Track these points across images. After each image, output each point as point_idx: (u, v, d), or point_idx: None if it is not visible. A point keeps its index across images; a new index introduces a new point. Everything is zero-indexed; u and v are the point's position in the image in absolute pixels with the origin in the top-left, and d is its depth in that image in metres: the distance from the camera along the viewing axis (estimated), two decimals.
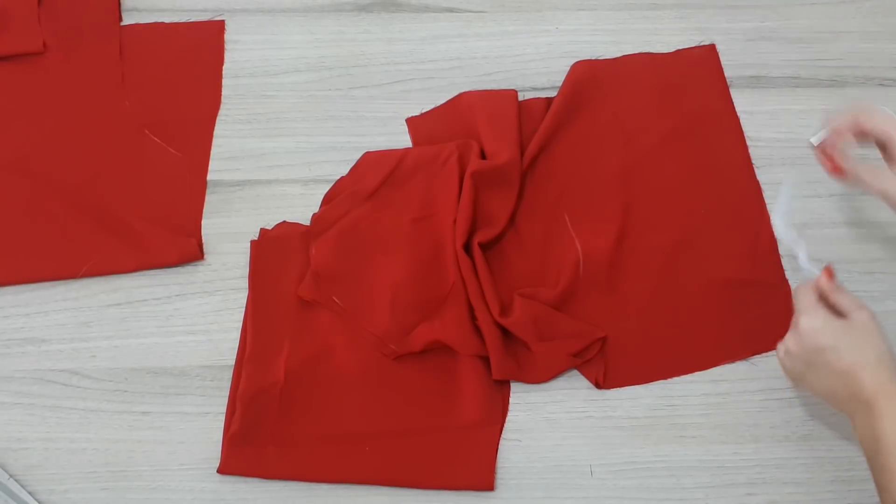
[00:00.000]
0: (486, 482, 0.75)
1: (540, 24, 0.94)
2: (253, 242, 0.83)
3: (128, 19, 0.93)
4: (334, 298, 0.80)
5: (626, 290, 0.82)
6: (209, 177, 0.87)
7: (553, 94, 0.90)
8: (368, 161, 0.87)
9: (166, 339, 0.80)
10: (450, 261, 0.80)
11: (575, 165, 0.87)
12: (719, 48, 0.93)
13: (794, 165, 0.87)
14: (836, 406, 0.68)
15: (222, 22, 0.93)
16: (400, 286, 0.80)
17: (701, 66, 0.92)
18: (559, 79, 0.91)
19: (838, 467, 0.77)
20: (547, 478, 0.77)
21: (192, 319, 0.81)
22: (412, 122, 0.89)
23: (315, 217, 0.84)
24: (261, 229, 0.84)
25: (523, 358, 0.79)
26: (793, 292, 0.71)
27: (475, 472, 0.75)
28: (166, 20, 0.93)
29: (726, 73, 0.91)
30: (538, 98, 0.90)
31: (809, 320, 0.67)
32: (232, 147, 0.88)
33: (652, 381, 0.79)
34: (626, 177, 0.86)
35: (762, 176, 0.87)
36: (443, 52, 0.92)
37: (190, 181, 0.86)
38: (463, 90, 0.90)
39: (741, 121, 0.89)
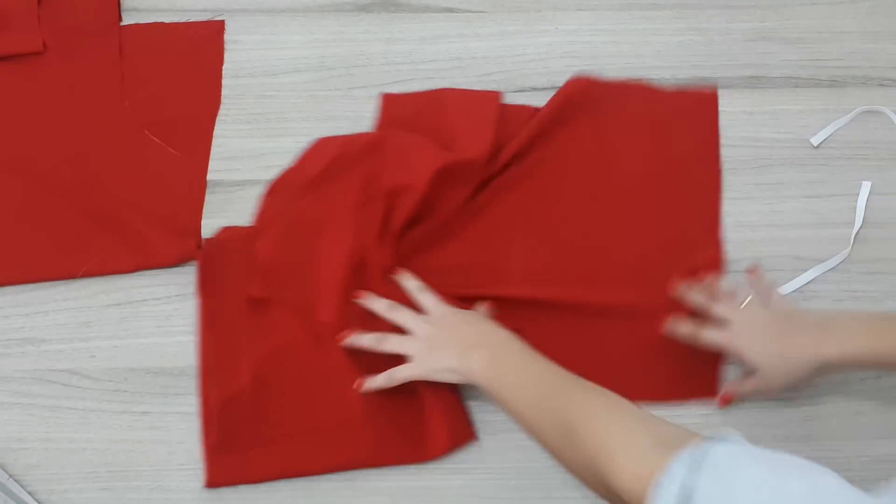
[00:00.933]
0: (465, 436, 0.77)
1: (540, 24, 0.94)
2: (198, 253, 0.82)
3: (128, 19, 0.93)
4: (284, 292, 0.80)
5: (559, 315, 0.81)
6: (209, 177, 0.87)
7: (553, 94, 0.90)
8: (315, 149, 0.86)
9: (166, 339, 0.81)
10: (385, 246, 0.80)
11: (543, 179, 0.86)
12: (719, 48, 0.92)
13: (794, 165, 0.87)
14: (452, 364, 0.72)
15: (222, 22, 0.93)
16: (347, 273, 0.79)
17: (698, 110, 0.89)
18: (559, 79, 0.91)
19: (838, 467, 0.76)
20: (547, 478, 0.77)
21: (191, 319, 0.81)
22: (387, 99, 0.89)
23: (258, 212, 0.83)
24: (204, 240, 0.83)
25: None
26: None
27: (454, 432, 0.76)
28: (166, 20, 0.93)
29: (726, 74, 0.91)
30: (527, 106, 0.89)
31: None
32: (232, 147, 0.88)
33: None
34: (589, 201, 0.85)
35: (762, 177, 0.87)
36: (442, 53, 0.92)
37: (190, 181, 0.86)
38: None
39: (741, 121, 0.89)
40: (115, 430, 0.77)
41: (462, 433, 0.77)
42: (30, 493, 0.75)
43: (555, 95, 0.88)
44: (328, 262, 0.80)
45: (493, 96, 0.88)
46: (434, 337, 0.75)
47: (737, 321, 0.73)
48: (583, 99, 0.88)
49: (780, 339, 0.71)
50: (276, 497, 0.76)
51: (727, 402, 0.77)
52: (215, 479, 0.75)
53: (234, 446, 0.75)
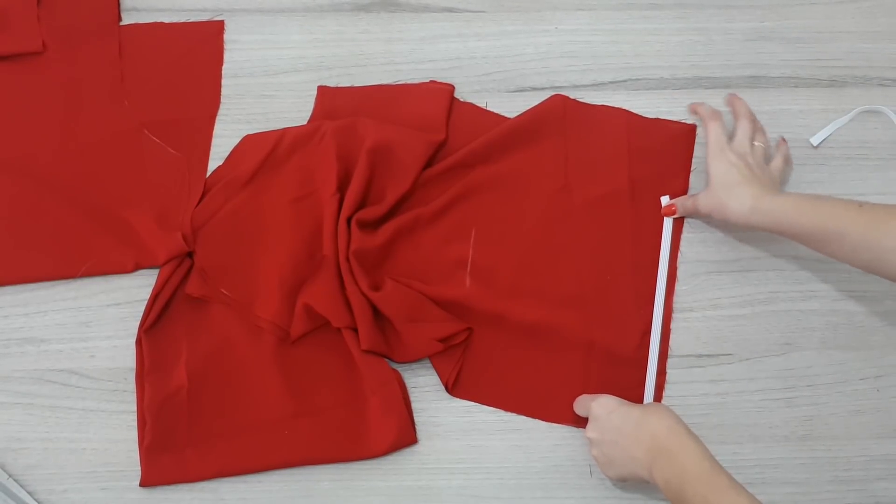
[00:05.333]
0: (407, 439, 0.76)
1: (539, 24, 0.94)
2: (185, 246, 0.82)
3: (127, 19, 0.93)
4: (223, 290, 0.80)
5: (505, 323, 0.80)
6: (209, 177, 0.87)
7: (552, 94, 0.90)
8: (245, 146, 0.87)
9: None
10: (327, 234, 0.81)
11: (506, 189, 0.86)
12: (719, 48, 0.92)
13: (793, 165, 0.87)
14: (635, 472, 0.69)
15: (222, 22, 0.93)
16: (285, 268, 0.80)
17: (674, 143, 0.88)
18: (558, 79, 0.91)
19: (837, 467, 0.77)
20: (546, 478, 0.77)
21: None
22: (323, 92, 0.89)
23: (194, 210, 0.83)
24: None
25: (391, 337, 0.79)
26: (577, 400, 0.77)
27: (395, 433, 0.76)
28: (166, 20, 0.93)
29: (725, 73, 0.91)
30: (501, 115, 0.89)
31: (600, 401, 0.74)
32: (231, 147, 0.88)
33: (498, 408, 0.79)
34: (548, 218, 0.84)
35: None
36: (442, 52, 0.92)
37: (190, 181, 0.86)
38: (463, 90, 0.90)
39: None
40: (114, 430, 0.77)
41: (404, 435, 0.76)
42: (29, 493, 0.75)
43: (531, 108, 0.88)
44: (267, 259, 0.81)
45: (445, 88, 0.89)
46: (597, 455, 0.74)
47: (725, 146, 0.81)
48: (558, 116, 0.88)
49: (744, 168, 0.78)
50: (275, 497, 0.76)
51: (671, 213, 0.83)
52: (150, 479, 0.75)
53: (170, 446, 0.76)
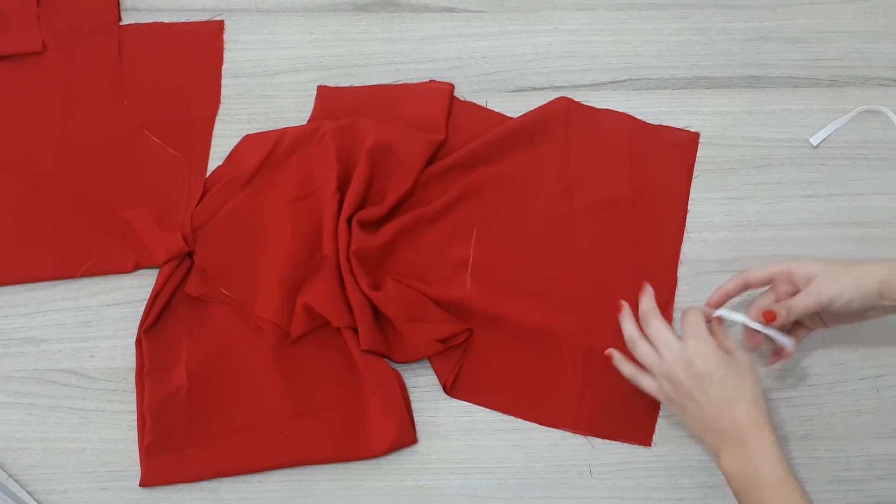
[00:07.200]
0: (407, 439, 0.76)
1: (539, 23, 0.94)
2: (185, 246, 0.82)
3: (127, 19, 0.93)
4: (223, 290, 0.80)
5: (505, 325, 0.80)
6: (209, 177, 0.87)
7: (552, 94, 0.90)
8: (245, 146, 0.87)
9: None
10: (327, 234, 0.81)
11: (507, 190, 0.85)
12: (719, 48, 0.93)
13: (793, 165, 0.87)
14: (701, 436, 0.68)
15: (221, 22, 0.93)
16: (285, 268, 0.80)
17: (677, 150, 0.87)
18: (558, 79, 0.91)
19: (837, 467, 0.77)
20: (546, 478, 0.77)
21: None
22: (323, 92, 0.89)
23: (194, 210, 0.83)
24: None
25: (391, 337, 0.79)
26: (682, 315, 0.70)
27: (395, 433, 0.76)
28: (166, 20, 0.93)
29: (725, 73, 0.91)
30: (502, 114, 0.89)
31: (698, 344, 0.68)
32: (231, 147, 0.88)
33: (497, 410, 0.79)
34: (550, 220, 0.84)
35: (761, 177, 0.87)
36: (442, 52, 0.92)
37: (190, 181, 0.86)
38: (462, 90, 0.90)
39: (740, 121, 0.89)
40: (114, 430, 0.77)
41: (404, 435, 0.76)
42: (29, 493, 0.75)
43: (535, 109, 0.88)
44: (266, 258, 0.81)
45: (445, 88, 0.89)
46: (667, 392, 0.69)
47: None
48: (561, 118, 0.88)
49: (841, 261, 0.69)
50: (275, 497, 0.76)
51: (771, 319, 0.68)
52: (150, 479, 0.75)
53: (170, 446, 0.76)
